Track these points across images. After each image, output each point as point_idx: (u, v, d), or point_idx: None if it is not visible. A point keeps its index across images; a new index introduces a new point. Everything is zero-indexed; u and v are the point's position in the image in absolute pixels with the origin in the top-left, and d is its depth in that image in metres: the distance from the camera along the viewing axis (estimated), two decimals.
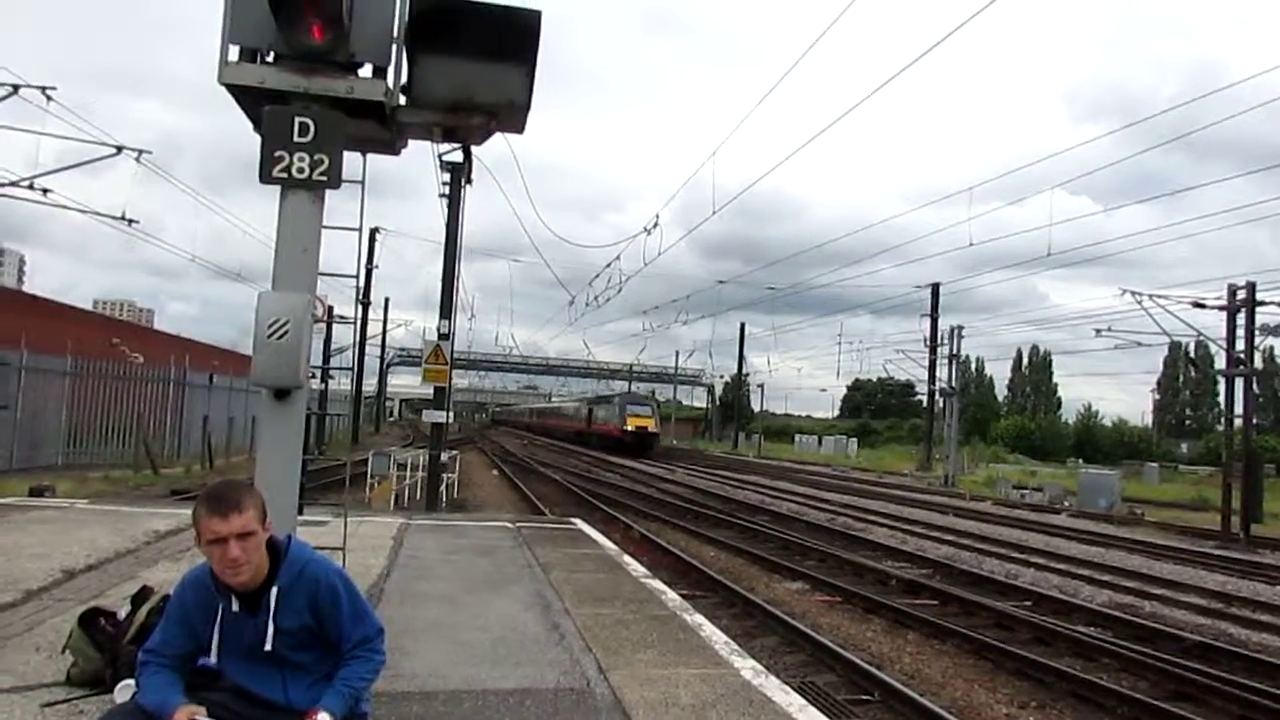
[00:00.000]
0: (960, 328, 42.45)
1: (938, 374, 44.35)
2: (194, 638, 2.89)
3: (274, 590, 2.84)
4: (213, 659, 2.89)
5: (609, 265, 29.49)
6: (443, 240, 16.91)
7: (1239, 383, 24.53)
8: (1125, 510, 28.35)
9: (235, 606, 2.84)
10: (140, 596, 4.63)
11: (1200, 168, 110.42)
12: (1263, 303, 23.40)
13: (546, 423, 79.89)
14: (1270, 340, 26.36)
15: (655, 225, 22.90)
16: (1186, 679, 8.09)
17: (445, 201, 16.76)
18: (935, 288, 45.31)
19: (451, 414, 19.57)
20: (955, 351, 42.24)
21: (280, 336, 4.08)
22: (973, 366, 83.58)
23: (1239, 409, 24.75)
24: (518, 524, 12.53)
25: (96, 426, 23.99)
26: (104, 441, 24.01)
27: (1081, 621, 10.67)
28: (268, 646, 2.83)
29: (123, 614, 4.54)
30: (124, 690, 3.39)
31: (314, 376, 5.38)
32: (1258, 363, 25.38)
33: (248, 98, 4.27)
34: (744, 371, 78.60)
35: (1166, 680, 8.18)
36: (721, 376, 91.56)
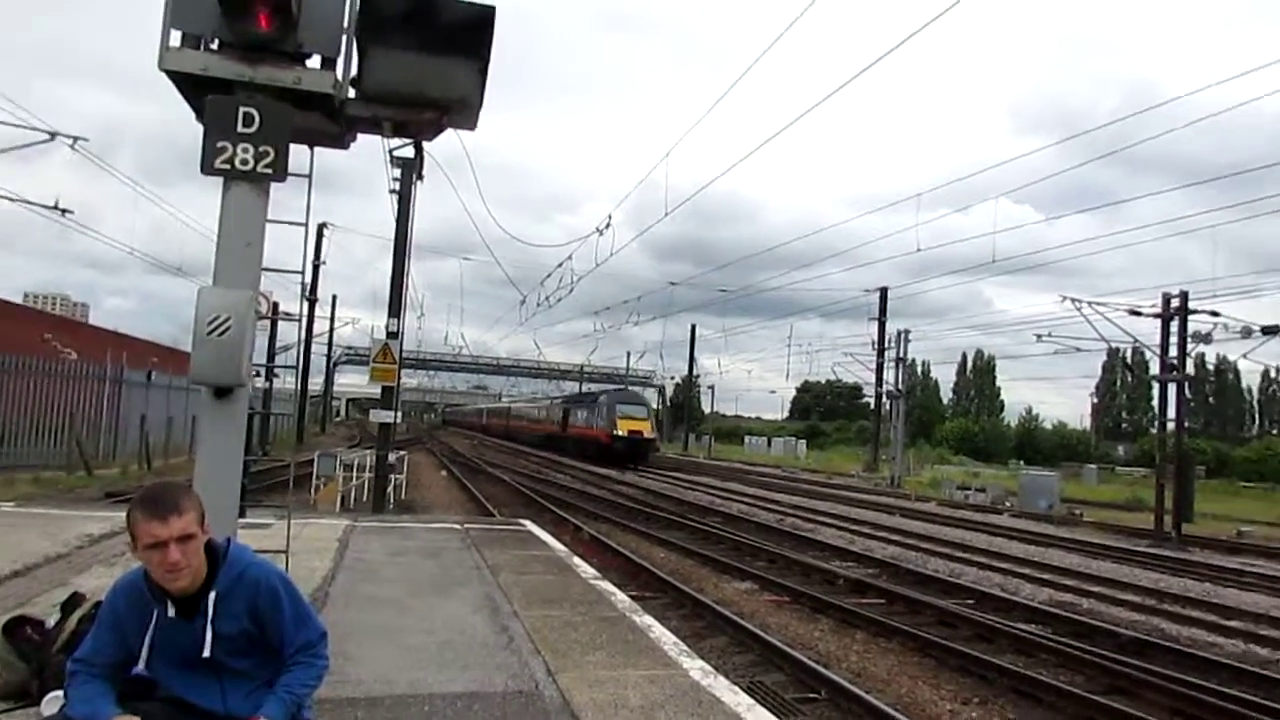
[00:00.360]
0: (907, 332, 43.24)
1: (885, 377, 45.01)
2: (126, 646, 2.78)
3: (212, 595, 2.74)
4: (146, 667, 2.78)
5: (560, 265, 29.34)
6: (392, 237, 16.70)
7: (1172, 388, 25.32)
8: (1064, 511, 29.06)
9: (171, 612, 2.74)
10: (71, 603, 4.46)
11: (1137, 181, 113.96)
12: (1194, 311, 24.18)
13: (508, 425, 71.87)
14: (1201, 347, 27.23)
15: (608, 226, 22.90)
16: (1122, 674, 8.30)
17: (395, 198, 16.55)
18: (883, 292, 45.98)
19: (399, 414, 19.32)
20: (902, 355, 42.94)
21: (221, 333, 3.96)
22: (919, 370, 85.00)
23: (1172, 413, 25.57)
24: (466, 525, 12.40)
25: (25, 426, 23.16)
26: (34, 441, 23.19)
27: (1022, 619, 10.89)
28: (206, 653, 2.74)
29: (51, 622, 4.36)
30: (52, 703, 3.27)
31: (257, 374, 5.27)
32: (1189, 369, 26.20)
33: (190, 85, 4.15)
34: (695, 373, 78.80)
35: (1103, 675, 8.38)
36: (672, 378, 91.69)
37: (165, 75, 4.07)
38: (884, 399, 46.30)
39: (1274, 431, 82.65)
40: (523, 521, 13.66)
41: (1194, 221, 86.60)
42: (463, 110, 4.55)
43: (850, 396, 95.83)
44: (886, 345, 44.60)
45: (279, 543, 5.83)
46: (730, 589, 12.34)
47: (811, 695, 7.36)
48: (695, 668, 5.53)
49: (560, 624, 6.47)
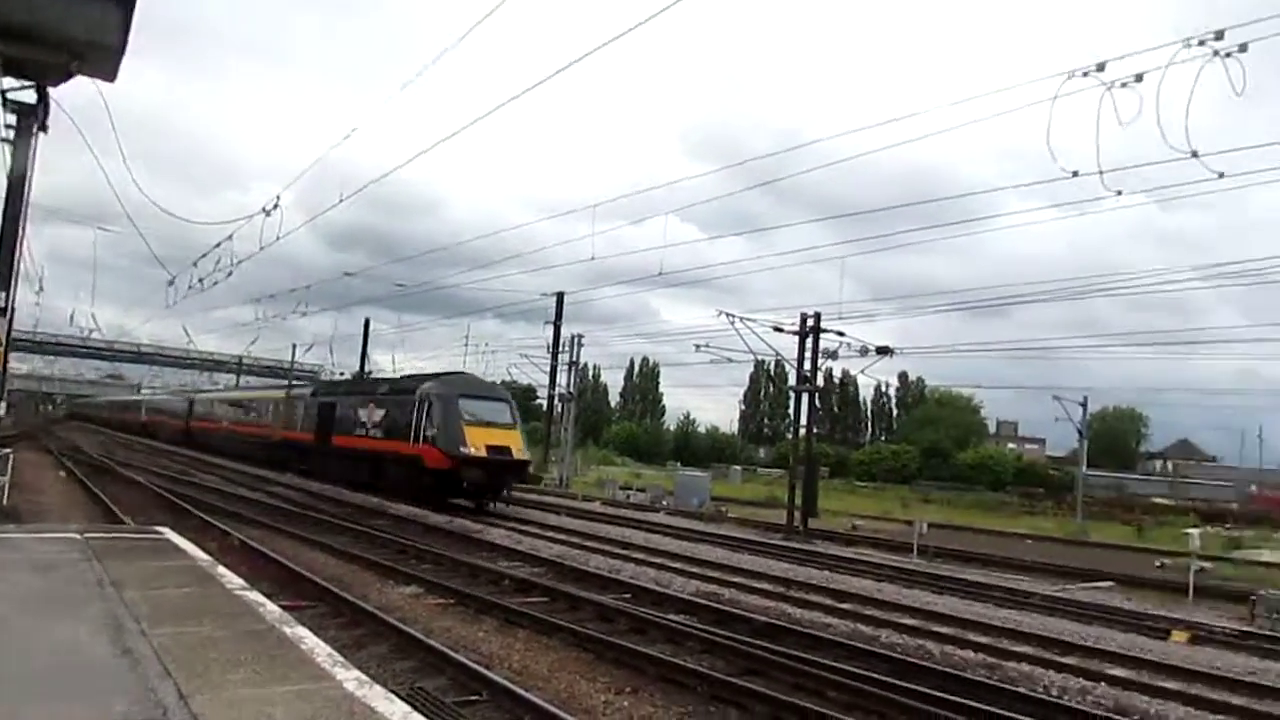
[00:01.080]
0: (580, 336, 45.00)
1: (558, 379, 46.31)
2: None
3: None
4: None
5: (219, 245, 26.62)
6: (2, 195, 14.18)
7: (805, 397, 28.69)
8: (713, 508, 31.75)
9: None
10: None
11: (784, 211, 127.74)
12: (825, 331, 27.60)
13: (189, 426, 50.30)
14: (829, 362, 31.12)
15: (276, 206, 21.19)
16: (755, 656, 9.21)
17: (9, 149, 14.07)
18: (560, 296, 47.28)
19: (5, 405, 16.45)
20: (575, 359, 44.56)
21: None
22: (590, 374, 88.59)
23: (804, 420, 28.96)
24: (87, 535, 10.86)
25: None
26: None
27: (673, 610, 11.70)
28: None
29: None
30: None
31: None
32: (820, 381, 29.82)
33: None
34: (367, 369, 75.74)
35: (739, 658, 9.23)
36: (343, 374, 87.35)
37: None
38: (556, 401, 47.66)
39: (883, 438, 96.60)
40: (159, 529, 12.27)
41: (828, 251, 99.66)
42: (99, 56, 3.98)
43: (524, 398, 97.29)
44: (561, 349, 45.96)
45: None
46: (394, 594, 11.98)
47: (473, 697, 7.35)
48: (350, 678, 5.27)
49: (198, 641, 5.87)
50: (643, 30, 9.92)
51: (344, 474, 28.92)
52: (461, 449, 23.37)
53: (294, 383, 46.60)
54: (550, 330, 46.90)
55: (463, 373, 29.94)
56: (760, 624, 10.97)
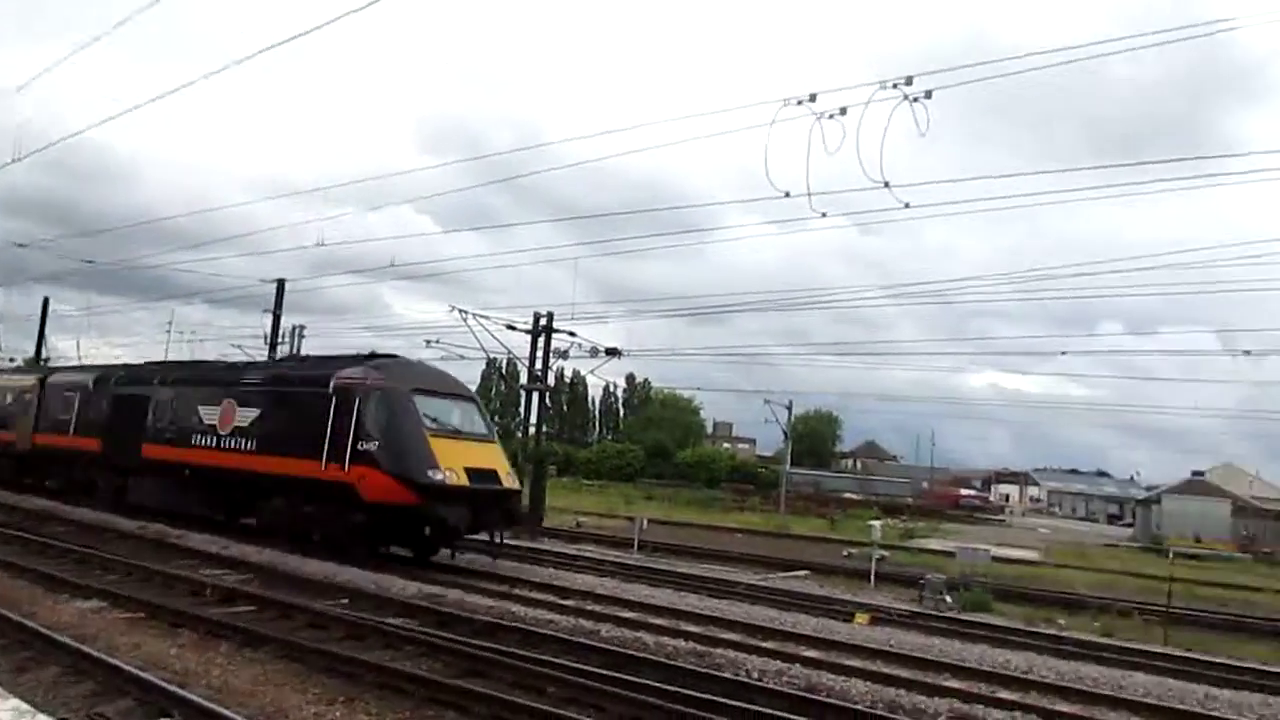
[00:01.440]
0: (303, 327, 42.30)
1: None
2: None
3: None
4: None
5: None
6: None
7: (535, 396, 29.02)
8: None
9: None
10: None
11: (521, 210, 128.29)
12: (558, 330, 28.11)
13: None
14: (561, 362, 31.71)
15: None
16: (477, 656, 9.18)
17: None
18: (280, 283, 44.31)
19: None
20: (296, 351, 41.92)
21: None
22: None
23: (534, 418, 29.30)
24: None
25: None
26: None
27: (393, 614, 11.36)
28: None
29: None
30: None
31: None
32: (551, 380, 30.29)
33: None
34: (45, 356, 66.65)
35: (460, 660, 9.15)
36: (13, 359, 76.24)
37: None
38: None
39: (610, 437, 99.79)
40: None
41: (562, 252, 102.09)
42: None
43: None
44: (281, 339, 43.14)
45: None
46: (70, 609, 10.64)
47: (163, 719, 6.72)
48: (7, 708, 4.65)
49: None
50: (368, 14, 9.57)
51: (174, 504, 19.65)
52: (430, 474, 15.26)
53: (55, 366, 33.18)
54: (269, 319, 43.85)
55: (397, 357, 18.97)
56: (482, 624, 10.94)
